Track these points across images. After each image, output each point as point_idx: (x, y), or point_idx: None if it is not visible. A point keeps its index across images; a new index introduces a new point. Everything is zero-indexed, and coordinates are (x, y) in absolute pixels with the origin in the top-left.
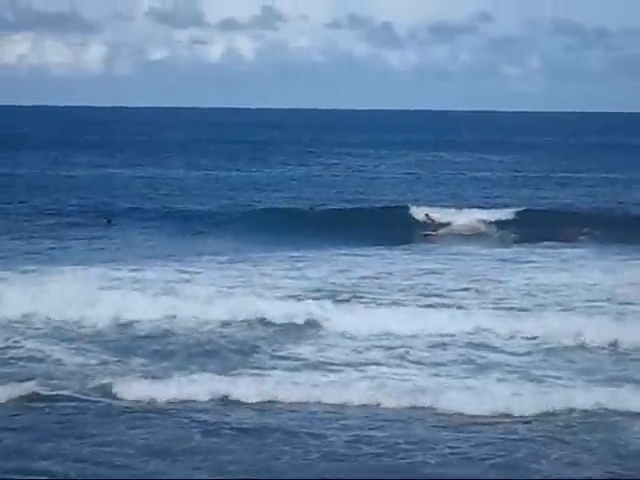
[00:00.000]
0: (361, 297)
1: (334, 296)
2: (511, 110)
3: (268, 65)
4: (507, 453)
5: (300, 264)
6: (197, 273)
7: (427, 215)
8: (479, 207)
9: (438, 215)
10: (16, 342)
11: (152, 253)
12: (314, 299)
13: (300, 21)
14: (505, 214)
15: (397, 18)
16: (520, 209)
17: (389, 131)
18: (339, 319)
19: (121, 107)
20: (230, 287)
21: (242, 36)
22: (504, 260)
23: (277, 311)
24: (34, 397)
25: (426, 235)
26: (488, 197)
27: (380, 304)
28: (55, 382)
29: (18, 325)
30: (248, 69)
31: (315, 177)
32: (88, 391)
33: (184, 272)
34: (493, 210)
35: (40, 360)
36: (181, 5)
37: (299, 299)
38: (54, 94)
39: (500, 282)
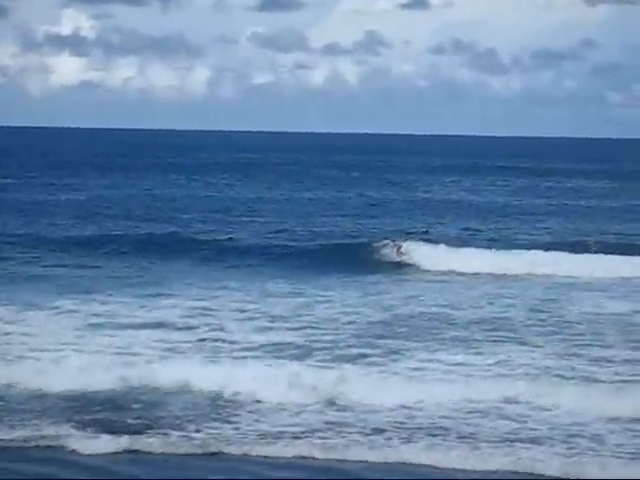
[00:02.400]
0: None
1: None
2: (615, 137)
3: (371, 90)
4: None
5: None
6: None
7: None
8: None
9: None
10: None
11: None
12: None
13: (403, 46)
14: None
15: (500, 44)
16: None
17: (491, 157)
18: None
19: (224, 131)
20: None
21: (345, 61)
22: None
23: None
24: None
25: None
26: None
27: None
28: None
29: None
30: (351, 94)
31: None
32: None
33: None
34: None
35: None
36: (285, 29)
37: None
38: (159, 117)
39: None
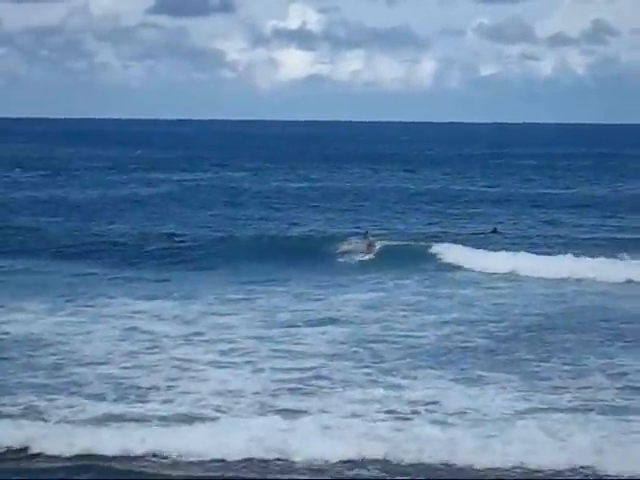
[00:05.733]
0: None
1: None
2: None
3: (599, 80)
4: None
5: None
6: None
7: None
8: None
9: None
10: None
11: None
12: None
13: (631, 34)
14: None
15: None
16: None
17: None
18: None
19: (451, 122)
20: None
21: (572, 51)
22: None
23: None
24: None
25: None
26: None
27: None
28: None
29: None
30: (578, 84)
31: None
32: None
33: None
34: None
35: None
36: (511, 20)
37: None
38: (386, 110)
39: None
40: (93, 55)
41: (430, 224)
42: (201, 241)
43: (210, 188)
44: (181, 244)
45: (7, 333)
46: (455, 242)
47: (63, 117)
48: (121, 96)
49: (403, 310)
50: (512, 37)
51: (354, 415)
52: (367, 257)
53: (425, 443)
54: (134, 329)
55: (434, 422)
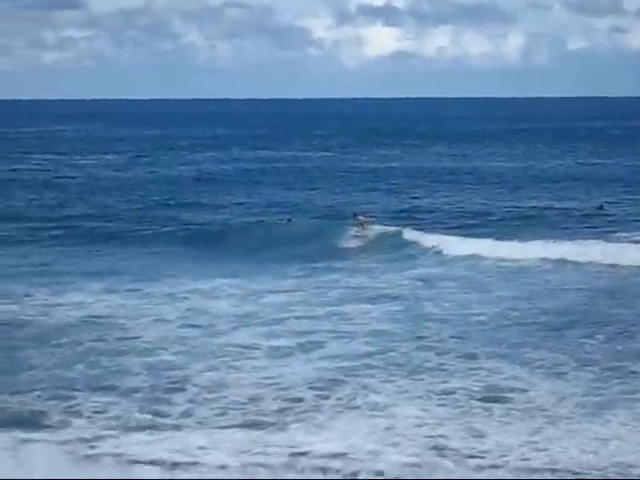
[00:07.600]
0: None
1: None
2: None
3: None
4: None
5: None
6: None
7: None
8: None
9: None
10: None
11: None
12: None
13: None
14: None
15: None
16: None
17: None
18: None
19: (538, 98)
20: None
21: None
22: None
23: None
24: None
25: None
26: None
27: None
28: None
29: None
30: None
31: None
32: None
33: None
34: None
35: None
36: None
37: None
38: (474, 86)
39: None
40: (179, 36)
41: (530, 199)
42: (269, 222)
43: (287, 168)
44: (253, 224)
45: (60, 317)
46: (558, 220)
47: (150, 98)
48: (208, 76)
49: (452, 289)
50: (600, 10)
51: (416, 417)
52: (358, 239)
53: (502, 453)
54: (191, 309)
55: (506, 423)
